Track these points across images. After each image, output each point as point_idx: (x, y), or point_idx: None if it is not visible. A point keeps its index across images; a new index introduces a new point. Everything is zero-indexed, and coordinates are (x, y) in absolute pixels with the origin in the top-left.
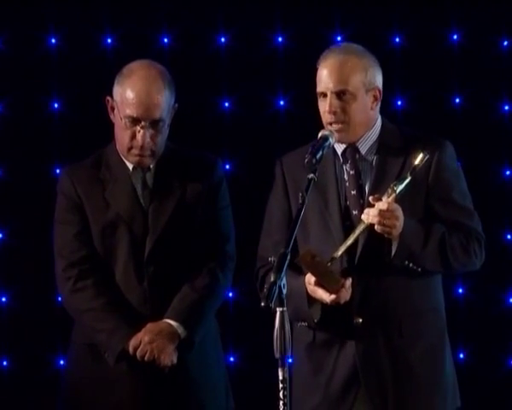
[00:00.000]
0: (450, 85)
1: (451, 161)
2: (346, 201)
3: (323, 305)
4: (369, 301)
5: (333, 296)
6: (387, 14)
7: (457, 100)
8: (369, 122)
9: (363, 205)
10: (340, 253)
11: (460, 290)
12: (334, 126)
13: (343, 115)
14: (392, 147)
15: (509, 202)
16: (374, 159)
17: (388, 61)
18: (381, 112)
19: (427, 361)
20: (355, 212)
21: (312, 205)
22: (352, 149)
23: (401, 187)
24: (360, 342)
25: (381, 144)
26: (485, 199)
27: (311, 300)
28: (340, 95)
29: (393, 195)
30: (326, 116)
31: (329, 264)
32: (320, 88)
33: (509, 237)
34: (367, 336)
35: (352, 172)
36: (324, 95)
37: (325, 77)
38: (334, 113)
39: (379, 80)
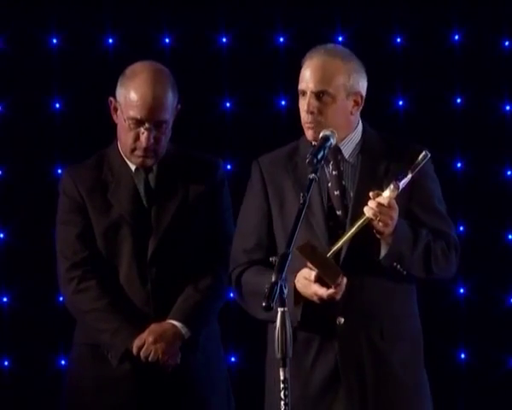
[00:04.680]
0: (451, 86)
1: (431, 168)
2: (329, 201)
3: (305, 304)
4: (352, 301)
5: (331, 290)
6: (388, 15)
7: (458, 100)
8: (348, 126)
9: (347, 206)
10: (338, 245)
11: (461, 291)
12: (310, 126)
13: (320, 116)
14: (374, 151)
15: (509, 202)
16: (356, 161)
17: (389, 61)
18: (382, 112)
19: (407, 365)
20: (338, 212)
21: (294, 205)
22: (334, 150)
23: (404, 184)
24: (342, 341)
25: (363, 147)
26: (486, 199)
27: (297, 300)
28: (319, 95)
29: (396, 191)
30: (303, 115)
31: (329, 255)
32: (301, 86)
33: (510, 237)
34: (349, 336)
35: (334, 173)
36: (304, 93)
37: (307, 76)
38: (312, 113)
39: (362, 86)
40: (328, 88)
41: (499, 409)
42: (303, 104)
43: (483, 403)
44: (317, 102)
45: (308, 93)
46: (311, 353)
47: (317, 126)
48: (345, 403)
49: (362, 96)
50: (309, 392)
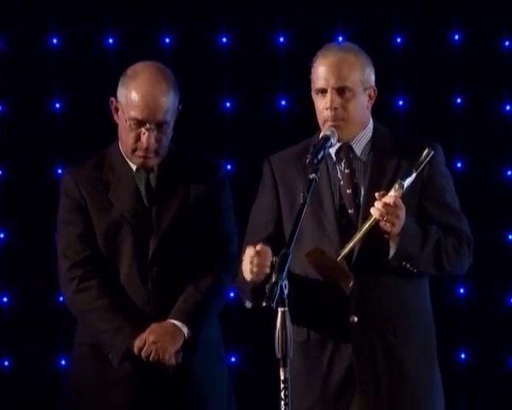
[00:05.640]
0: (451, 86)
1: (442, 164)
2: (340, 200)
3: (317, 304)
4: (365, 299)
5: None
6: (389, 15)
7: (458, 100)
8: (364, 121)
9: (359, 204)
10: (348, 248)
11: (461, 291)
12: (333, 123)
13: (343, 112)
14: (385, 148)
15: (510, 202)
16: (368, 158)
17: (389, 61)
18: (382, 112)
19: (419, 361)
20: (350, 211)
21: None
22: (346, 148)
23: (408, 183)
24: (355, 341)
25: (374, 145)
26: (487, 199)
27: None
28: (340, 91)
29: (401, 190)
30: (325, 113)
31: (339, 259)
32: (319, 84)
33: (510, 237)
34: (362, 335)
35: (346, 171)
36: (323, 91)
37: (325, 73)
38: (335, 109)
39: (373, 79)
40: (349, 83)
41: (499, 409)
42: (323, 102)
43: (483, 403)
44: (340, 97)
45: (329, 90)
46: (326, 354)
47: (341, 122)
48: (360, 402)
49: (374, 90)
50: (327, 395)
